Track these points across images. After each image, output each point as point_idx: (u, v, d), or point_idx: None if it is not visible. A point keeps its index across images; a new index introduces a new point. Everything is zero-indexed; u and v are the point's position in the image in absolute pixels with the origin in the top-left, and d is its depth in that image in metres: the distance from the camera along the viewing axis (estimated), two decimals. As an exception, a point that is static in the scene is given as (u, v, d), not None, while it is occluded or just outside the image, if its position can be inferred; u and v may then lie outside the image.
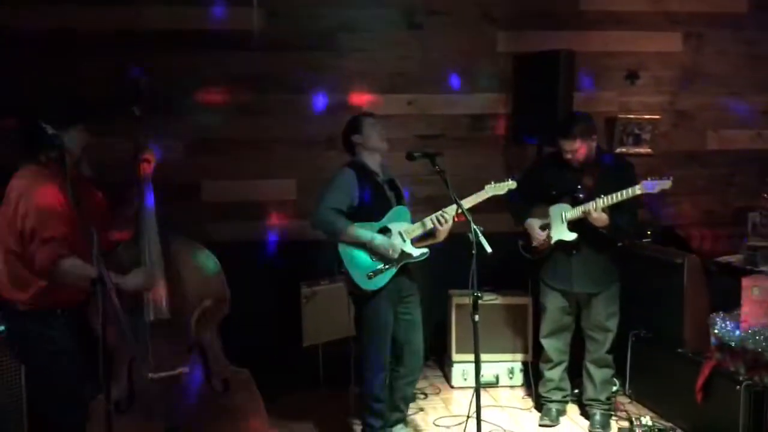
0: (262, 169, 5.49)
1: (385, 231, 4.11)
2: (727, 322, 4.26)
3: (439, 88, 5.66)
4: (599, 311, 4.51)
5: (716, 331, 4.27)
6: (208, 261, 3.60)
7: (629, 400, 4.97)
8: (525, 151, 5.60)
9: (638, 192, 4.12)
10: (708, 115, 6.06)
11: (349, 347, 4.80)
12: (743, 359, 4.12)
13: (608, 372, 4.65)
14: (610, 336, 4.56)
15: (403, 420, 4.44)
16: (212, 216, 5.38)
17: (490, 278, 4.68)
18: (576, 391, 4.88)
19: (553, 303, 4.62)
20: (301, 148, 5.49)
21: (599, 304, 4.51)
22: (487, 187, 4.16)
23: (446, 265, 4.50)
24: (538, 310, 4.86)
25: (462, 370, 5.32)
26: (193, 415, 3.36)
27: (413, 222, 4.17)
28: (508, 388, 5.33)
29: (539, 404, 4.87)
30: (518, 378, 5.35)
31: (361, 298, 4.11)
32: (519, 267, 4.84)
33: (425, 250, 4.16)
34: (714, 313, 4.39)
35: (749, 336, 4.07)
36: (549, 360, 4.73)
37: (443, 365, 5.59)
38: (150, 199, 3.49)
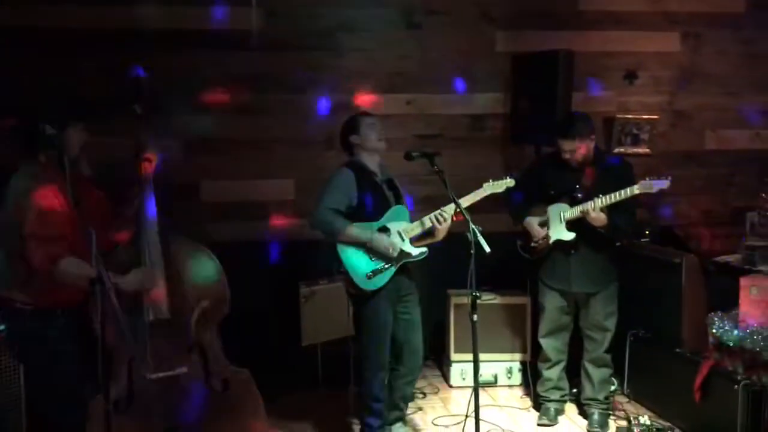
0: (261, 169, 5.49)
1: (384, 230, 4.11)
2: (726, 322, 4.26)
3: (438, 88, 5.66)
4: (597, 311, 4.52)
5: (714, 330, 4.28)
6: (209, 261, 3.61)
7: (627, 400, 4.98)
8: (524, 151, 5.61)
9: (636, 192, 4.13)
10: (706, 115, 6.07)
11: (348, 347, 4.81)
12: (741, 359, 4.13)
13: (606, 371, 4.66)
14: (609, 335, 4.57)
15: (402, 419, 4.44)
16: (211, 216, 5.38)
17: (489, 278, 4.68)
18: (574, 390, 4.89)
19: (552, 303, 4.63)
20: (300, 148, 5.49)
21: (597, 303, 4.52)
22: (485, 185, 4.17)
23: (445, 265, 4.51)
24: (537, 310, 4.87)
25: (460, 369, 5.32)
26: (193, 415, 3.36)
27: (412, 221, 4.18)
28: (506, 388, 5.34)
29: (538, 404, 4.87)
30: (517, 377, 5.36)
31: (360, 298, 4.11)
32: (517, 267, 4.84)
33: (424, 249, 4.16)
34: (712, 313, 4.39)
35: (747, 335, 4.08)
36: (547, 359, 4.73)
37: (442, 365, 5.60)
38: (151, 199, 3.49)
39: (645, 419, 4.41)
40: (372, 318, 4.11)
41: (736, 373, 4.11)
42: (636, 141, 5.88)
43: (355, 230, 4.03)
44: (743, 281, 4.26)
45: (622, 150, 5.82)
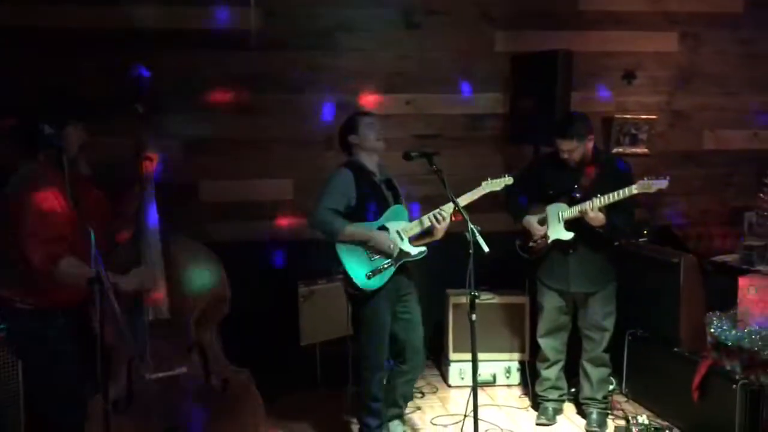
0: (259, 168, 5.48)
1: (383, 230, 4.12)
2: (724, 322, 4.27)
3: (437, 88, 5.67)
4: (596, 310, 4.53)
5: (713, 330, 4.29)
6: (209, 260, 3.60)
7: (626, 399, 4.99)
8: (522, 151, 5.60)
9: (635, 192, 4.13)
10: (705, 115, 6.08)
11: (346, 346, 4.81)
12: (739, 358, 4.13)
13: (605, 371, 4.67)
14: (607, 335, 4.57)
15: (401, 416, 4.45)
16: (210, 216, 5.37)
17: (488, 278, 4.67)
18: (573, 390, 4.90)
19: (550, 302, 4.63)
20: (299, 148, 5.49)
21: (596, 303, 4.52)
22: (483, 183, 4.18)
23: (443, 265, 4.53)
24: (535, 310, 4.87)
25: (459, 369, 5.33)
26: (193, 415, 3.36)
27: (411, 221, 4.18)
28: (505, 387, 5.34)
29: (536, 403, 4.88)
30: (515, 377, 5.36)
31: (359, 298, 4.11)
32: (516, 266, 4.84)
33: (423, 248, 4.16)
34: (710, 313, 4.40)
35: (745, 335, 4.09)
36: (546, 359, 4.74)
37: (440, 364, 5.60)
38: (152, 199, 3.48)
39: (643, 419, 4.42)
40: (371, 318, 4.12)
41: (734, 373, 4.12)
42: (634, 141, 5.89)
43: (355, 229, 4.04)
44: (741, 281, 4.26)
45: (620, 150, 5.83)
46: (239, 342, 3.95)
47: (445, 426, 4.70)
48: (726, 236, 5.79)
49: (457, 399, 5.13)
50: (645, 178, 4.13)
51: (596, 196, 4.22)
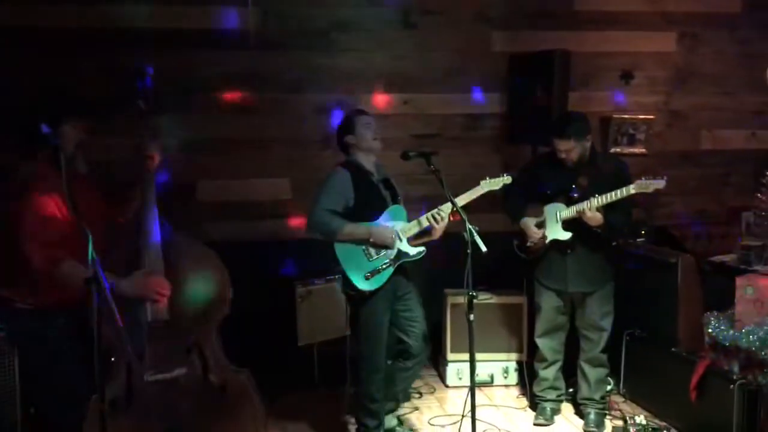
0: (257, 168, 5.48)
1: (382, 226, 4.12)
2: (721, 322, 4.27)
3: (435, 88, 5.67)
4: (594, 310, 4.53)
5: (710, 330, 4.29)
6: (210, 260, 3.57)
7: (623, 399, 4.99)
8: (520, 150, 5.61)
9: (632, 191, 4.13)
10: (702, 115, 6.09)
11: (344, 347, 4.80)
12: (737, 358, 4.14)
13: (603, 371, 4.67)
14: (605, 335, 4.57)
15: (394, 410, 4.47)
16: (208, 215, 5.37)
17: (485, 278, 4.69)
18: (570, 390, 4.90)
19: (548, 302, 4.63)
20: (297, 148, 5.49)
21: (594, 303, 4.52)
22: (482, 182, 4.17)
23: (441, 265, 4.52)
24: (533, 310, 4.87)
25: (457, 369, 5.33)
26: (192, 416, 3.34)
27: (409, 221, 4.18)
28: (502, 388, 5.34)
29: (534, 403, 4.88)
30: (513, 377, 5.36)
31: (357, 298, 4.11)
32: (514, 266, 4.84)
33: (422, 248, 4.15)
34: (708, 313, 4.40)
35: (743, 335, 4.09)
36: (543, 359, 4.74)
37: (438, 364, 5.59)
38: (152, 198, 3.46)
39: (641, 419, 4.42)
40: (369, 319, 4.11)
41: (731, 373, 4.12)
42: (632, 141, 5.90)
43: (354, 227, 4.02)
44: (739, 281, 4.27)
45: (618, 150, 5.84)
46: (236, 342, 3.94)
47: (443, 426, 4.70)
48: (723, 236, 5.80)
49: (455, 399, 5.13)
50: (643, 178, 4.13)
51: (594, 196, 4.22)
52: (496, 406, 5.05)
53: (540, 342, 4.72)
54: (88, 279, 2.82)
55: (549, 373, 4.74)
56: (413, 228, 4.13)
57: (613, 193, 4.17)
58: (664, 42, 5.95)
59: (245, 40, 5.30)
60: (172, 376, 3.31)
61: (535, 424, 4.71)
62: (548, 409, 4.74)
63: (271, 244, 5.45)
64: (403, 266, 4.16)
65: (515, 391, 5.28)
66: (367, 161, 4.18)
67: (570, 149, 4.35)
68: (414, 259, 4.13)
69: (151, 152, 3.53)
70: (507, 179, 4.23)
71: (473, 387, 3.51)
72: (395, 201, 4.23)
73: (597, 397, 4.63)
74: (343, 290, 4.16)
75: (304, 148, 5.48)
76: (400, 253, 4.10)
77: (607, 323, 4.56)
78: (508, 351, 5.34)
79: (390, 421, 4.41)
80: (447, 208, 4.02)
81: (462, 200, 4.02)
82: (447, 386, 5.36)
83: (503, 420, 4.79)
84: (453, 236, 3.88)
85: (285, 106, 5.46)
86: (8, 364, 3.76)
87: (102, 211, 3.50)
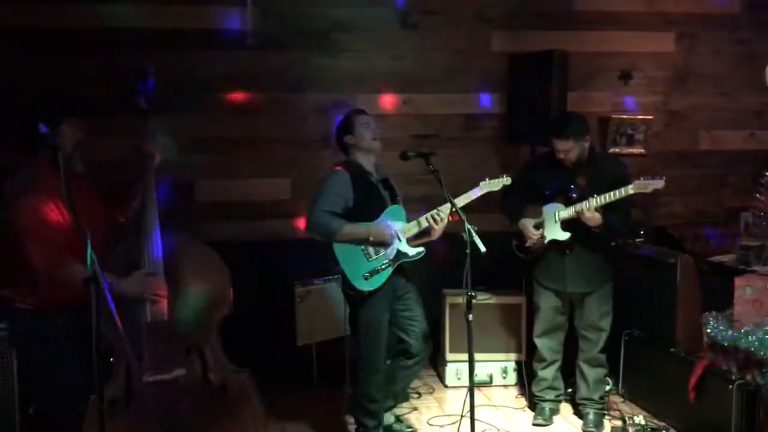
0: (257, 168, 5.48)
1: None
2: (720, 322, 4.27)
3: (434, 88, 5.67)
4: (592, 311, 4.53)
5: (709, 330, 4.29)
6: (211, 260, 3.56)
7: (622, 400, 4.99)
8: (519, 150, 5.62)
9: (631, 192, 4.14)
10: (701, 116, 6.09)
11: (343, 347, 4.81)
12: (735, 358, 4.13)
13: (601, 371, 4.67)
14: (604, 335, 4.57)
15: (392, 408, 4.49)
16: (207, 215, 5.37)
17: (484, 278, 4.69)
18: (569, 390, 4.90)
19: (547, 302, 4.63)
20: (296, 148, 5.49)
21: (592, 303, 4.52)
22: (481, 183, 4.18)
23: (440, 265, 4.52)
24: (532, 310, 4.87)
25: (456, 369, 5.33)
26: (192, 416, 3.34)
27: (408, 221, 4.18)
28: (501, 388, 5.35)
29: (533, 403, 4.88)
30: (512, 377, 5.36)
31: (357, 299, 4.11)
32: (513, 266, 4.84)
33: (421, 249, 4.15)
34: (707, 313, 4.40)
35: (742, 335, 4.09)
36: (542, 359, 4.74)
37: (437, 365, 5.59)
38: (153, 197, 3.46)
39: (640, 419, 4.43)
40: (369, 319, 4.11)
41: (730, 373, 4.12)
42: (631, 141, 5.90)
43: (353, 227, 4.02)
44: (737, 281, 4.27)
45: (616, 150, 5.85)
46: (235, 342, 3.94)
47: (442, 426, 4.70)
48: (722, 237, 5.80)
49: (454, 399, 5.13)
50: (641, 178, 4.13)
51: (593, 196, 4.22)
52: (495, 406, 5.05)
53: (539, 342, 4.73)
54: (87, 279, 2.82)
55: (548, 373, 4.75)
56: (412, 228, 4.13)
57: (611, 193, 4.17)
58: (663, 42, 5.95)
59: (245, 40, 5.30)
60: (172, 377, 3.32)
61: (533, 424, 4.72)
62: (547, 409, 4.75)
63: (270, 244, 5.44)
64: (402, 266, 4.16)
65: (514, 391, 5.29)
66: (367, 161, 4.18)
67: (569, 149, 4.35)
68: (413, 259, 4.13)
69: (151, 152, 3.53)
70: (506, 180, 4.23)
71: (472, 387, 3.51)
72: (394, 201, 4.23)
73: (596, 397, 4.64)
74: (343, 290, 4.17)
75: (304, 148, 5.48)
76: (399, 254, 4.10)
77: (606, 323, 4.56)
78: (507, 351, 5.34)
79: (387, 418, 4.42)
80: (446, 208, 4.02)
81: (461, 201, 4.02)
82: (446, 386, 5.36)
83: (502, 420, 4.80)
84: (452, 236, 3.88)
85: (285, 106, 5.47)
86: (6, 364, 3.76)
87: (101, 211, 3.49)
